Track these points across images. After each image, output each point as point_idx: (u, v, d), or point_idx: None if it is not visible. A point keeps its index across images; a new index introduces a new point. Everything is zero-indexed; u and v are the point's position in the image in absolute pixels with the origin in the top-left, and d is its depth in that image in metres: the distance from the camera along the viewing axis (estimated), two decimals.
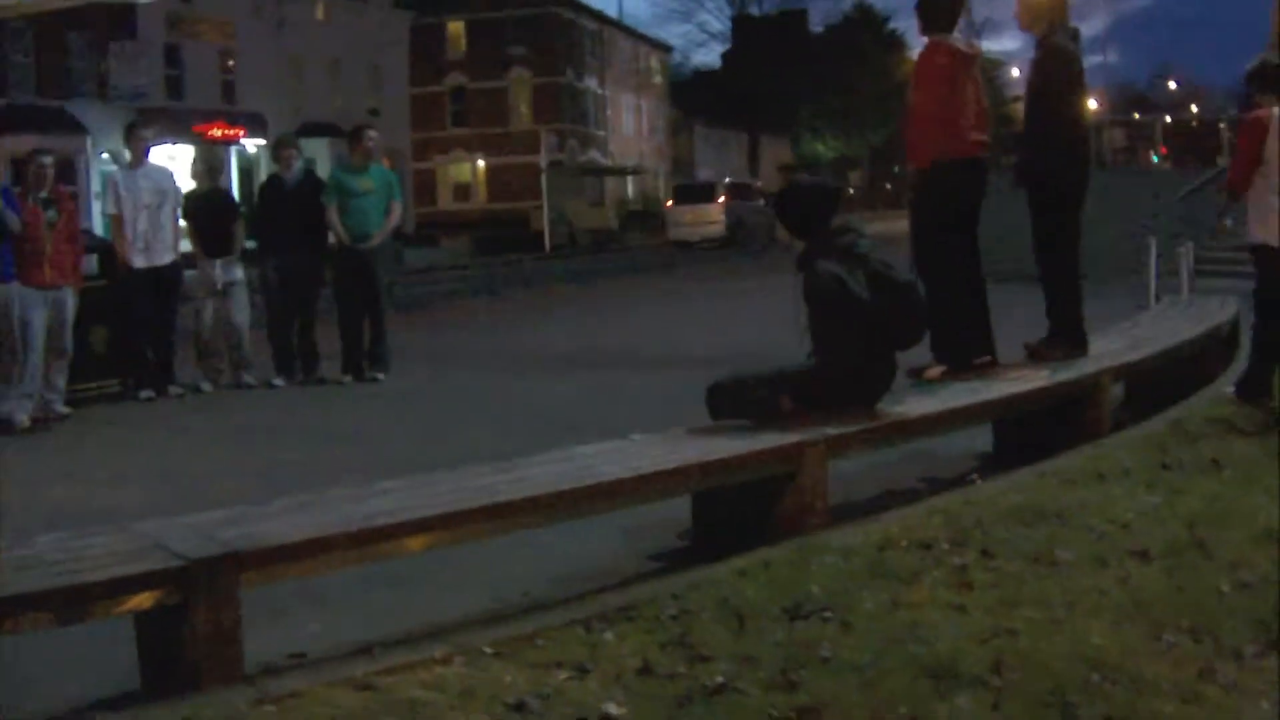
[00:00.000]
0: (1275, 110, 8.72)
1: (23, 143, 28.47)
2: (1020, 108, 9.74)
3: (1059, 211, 8.97)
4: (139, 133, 13.18)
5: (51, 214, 11.33)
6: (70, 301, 11.45)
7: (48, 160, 11.66)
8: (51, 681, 4.90)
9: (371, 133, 13.90)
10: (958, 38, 8.94)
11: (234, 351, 13.33)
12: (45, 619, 4.33)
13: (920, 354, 8.15)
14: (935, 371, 8.59)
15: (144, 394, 12.48)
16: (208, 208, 13.37)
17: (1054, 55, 8.90)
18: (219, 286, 13.10)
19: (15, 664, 4.81)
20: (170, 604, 4.49)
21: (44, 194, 11.32)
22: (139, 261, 12.45)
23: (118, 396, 12.47)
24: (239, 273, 13.33)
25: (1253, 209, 8.95)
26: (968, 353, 8.71)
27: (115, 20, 43.42)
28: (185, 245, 13.12)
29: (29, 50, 42.42)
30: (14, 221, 10.90)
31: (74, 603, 4.36)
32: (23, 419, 11.00)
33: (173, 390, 12.69)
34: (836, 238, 7.29)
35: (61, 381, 11.46)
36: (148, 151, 13.08)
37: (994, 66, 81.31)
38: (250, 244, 13.57)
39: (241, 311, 13.33)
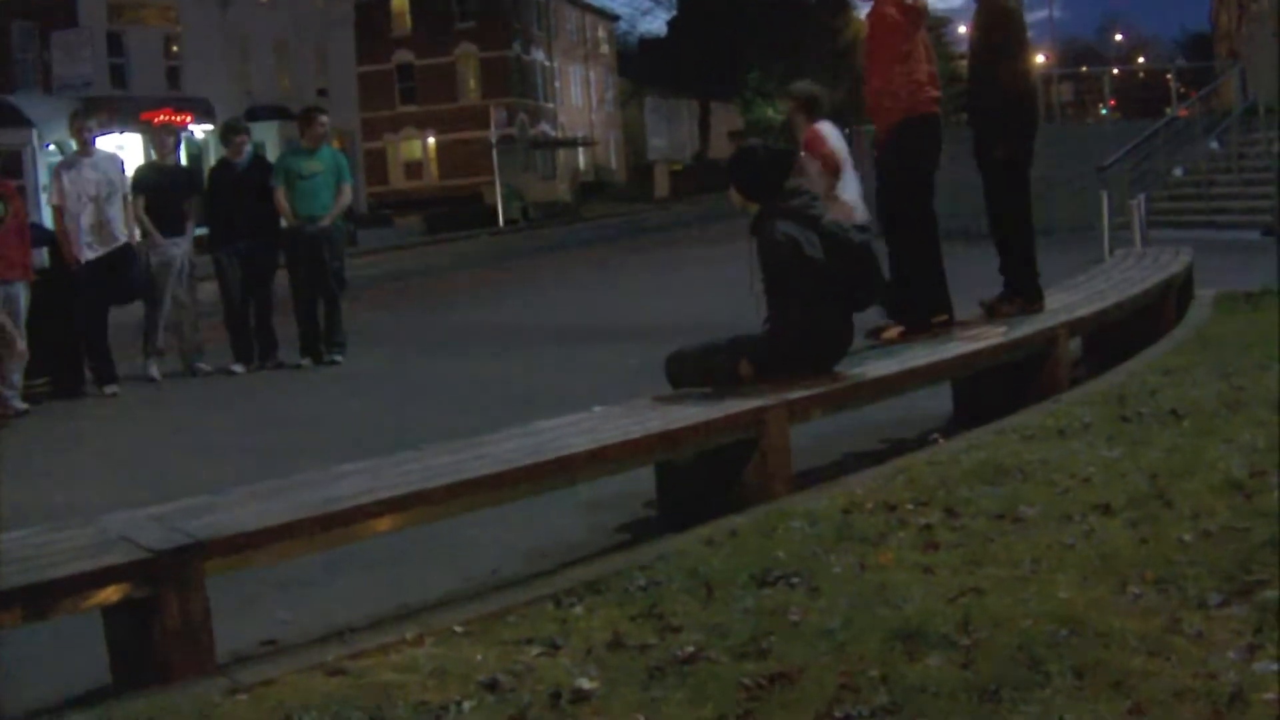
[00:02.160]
0: None
1: None
2: (965, 65, 9.73)
3: (1009, 169, 8.99)
4: (83, 122, 13.05)
5: None
6: (23, 296, 11.37)
7: None
8: (21, 678, 4.87)
9: (323, 116, 13.83)
10: None
11: (189, 334, 13.23)
12: (12, 616, 4.31)
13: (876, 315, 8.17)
14: (894, 332, 8.61)
15: (109, 389, 12.31)
16: (162, 182, 13.24)
17: (995, 12, 8.90)
18: (179, 265, 12.98)
19: None
20: (138, 597, 4.47)
21: None
22: (88, 254, 12.32)
23: (73, 391, 12.32)
24: (191, 252, 13.23)
25: None
26: (926, 312, 8.73)
27: (56, 9, 43.01)
28: (137, 233, 13.01)
29: None
30: None
31: (40, 599, 4.33)
32: None
33: (108, 390, 12.50)
34: (789, 200, 7.28)
35: (17, 378, 11.38)
36: (94, 141, 12.94)
37: (939, 24, 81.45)
38: (201, 230, 13.45)
39: (191, 292, 13.25)
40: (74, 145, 13.05)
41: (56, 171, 12.91)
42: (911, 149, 8.65)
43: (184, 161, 41.52)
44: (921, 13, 8.83)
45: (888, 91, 8.64)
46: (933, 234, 8.86)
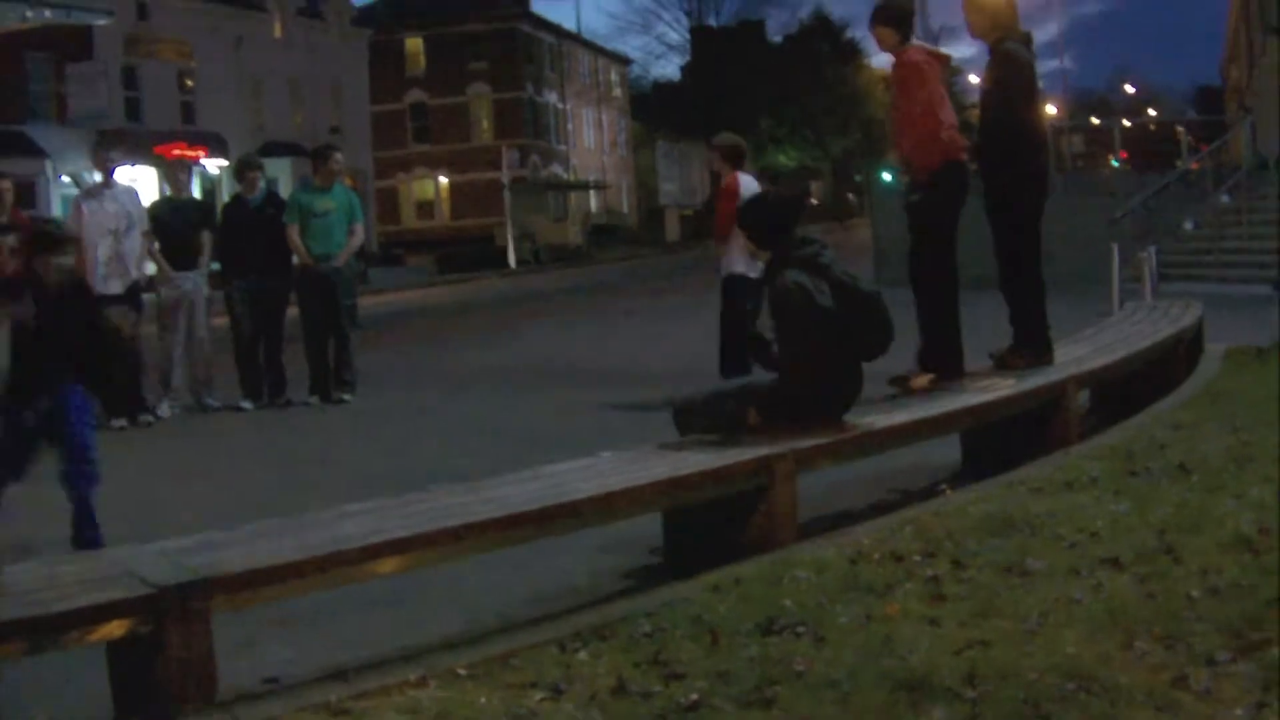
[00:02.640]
0: None
1: None
2: (975, 115, 9.73)
3: (1020, 219, 8.97)
4: (106, 153, 13.07)
5: (11, 239, 11.26)
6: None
7: (6, 185, 11.58)
8: (24, 710, 4.86)
9: (338, 154, 13.86)
10: (921, 43, 8.93)
11: (197, 370, 13.22)
12: (16, 648, 4.31)
13: (890, 364, 8.13)
14: (923, 380, 8.55)
15: (116, 423, 12.29)
16: (175, 216, 13.21)
17: (1006, 62, 8.90)
18: (191, 299, 12.98)
19: None
20: (142, 632, 4.47)
21: (3, 219, 11.22)
22: (101, 288, 12.30)
23: None
24: (205, 288, 13.22)
25: None
26: (959, 360, 8.69)
27: (72, 42, 43.22)
28: (150, 268, 13.04)
29: None
30: None
31: (45, 632, 4.34)
32: None
33: (143, 419, 12.53)
34: (800, 249, 7.28)
35: None
36: (113, 172, 12.97)
37: (951, 74, 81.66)
38: (215, 266, 13.46)
39: (204, 328, 13.23)
40: (94, 176, 13.05)
41: (76, 202, 12.93)
42: (946, 195, 8.60)
43: (197, 194, 41.80)
44: (945, 61, 8.84)
45: (925, 138, 8.58)
46: (956, 281, 8.82)
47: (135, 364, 12.70)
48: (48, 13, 10.08)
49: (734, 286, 11.12)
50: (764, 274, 7.35)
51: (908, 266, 8.86)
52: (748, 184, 11.18)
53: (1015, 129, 8.83)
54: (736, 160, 11.46)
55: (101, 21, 36.14)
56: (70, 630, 4.39)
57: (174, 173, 14.54)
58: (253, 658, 5.30)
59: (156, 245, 12.88)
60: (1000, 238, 9.06)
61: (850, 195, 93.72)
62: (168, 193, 14.22)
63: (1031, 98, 9.12)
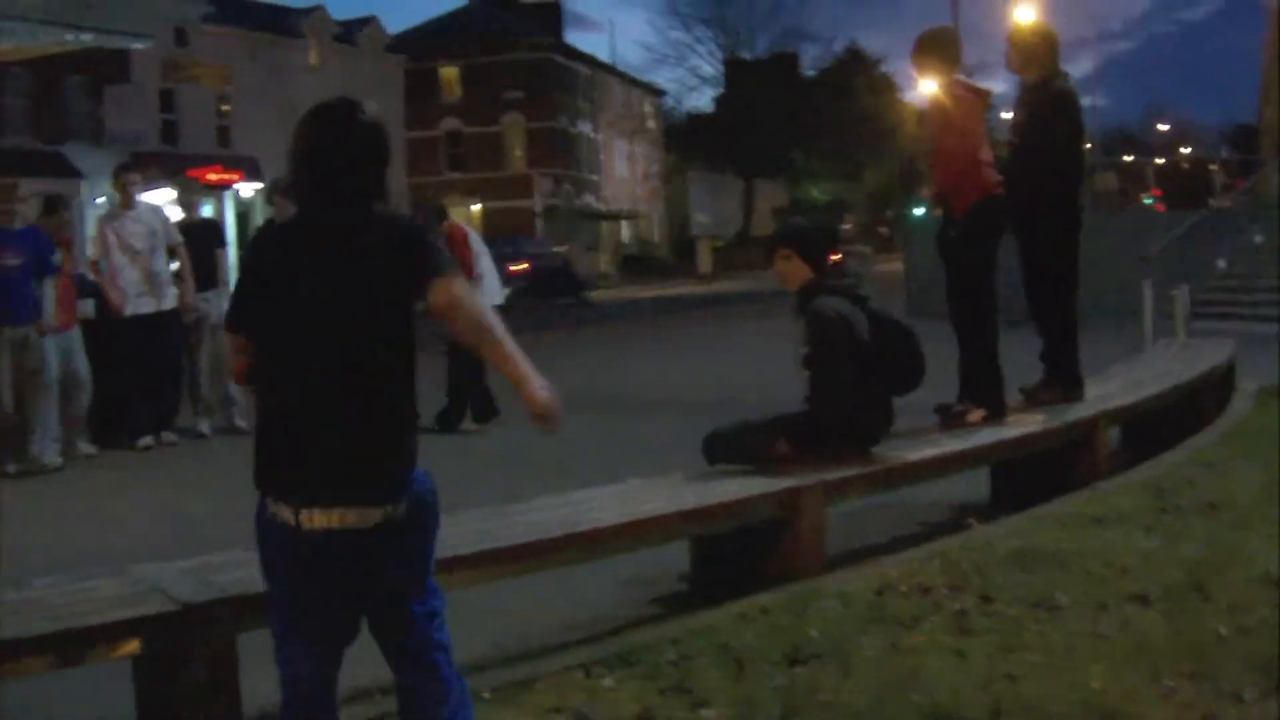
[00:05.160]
0: None
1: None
2: (1007, 150, 9.65)
3: (1052, 255, 8.92)
4: (127, 175, 13.15)
5: (57, 257, 11.48)
6: (79, 345, 11.55)
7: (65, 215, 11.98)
8: None
9: None
10: (962, 78, 8.87)
11: (221, 388, 13.23)
12: (43, 662, 4.32)
13: (921, 398, 8.10)
14: (977, 415, 8.48)
15: (142, 442, 12.35)
16: (190, 238, 13.15)
17: (1064, 98, 8.83)
18: (213, 319, 13.01)
19: (10, 707, 4.78)
20: (168, 648, 4.48)
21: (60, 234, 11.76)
22: (133, 308, 12.37)
23: (110, 442, 12.36)
24: (224, 307, 13.23)
25: None
26: (1002, 397, 8.63)
27: (110, 64, 43.54)
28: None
29: (26, 94, 42.53)
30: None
31: (72, 646, 4.35)
32: (54, 459, 11.22)
33: (166, 437, 12.59)
34: (841, 279, 7.26)
35: (57, 432, 11.45)
36: (136, 194, 13.05)
37: (988, 109, 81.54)
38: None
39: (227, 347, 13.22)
40: (117, 197, 13.16)
41: (100, 225, 13.02)
42: (984, 231, 8.50)
43: (231, 218, 42.01)
44: (986, 96, 8.78)
45: (963, 174, 8.45)
46: (996, 317, 8.72)
47: (173, 383, 12.79)
48: (88, 36, 10.09)
49: None
50: (798, 299, 7.29)
51: (947, 303, 8.77)
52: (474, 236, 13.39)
53: (1056, 167, 8.79)
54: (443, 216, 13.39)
55: (140, 46, 36.37)
56: (97, 645, 4.40)
57: (185, 197, 14.55)
58: (276, 675, 5.29)
59: (174, 266, 12.93)
60: (1032, 274, 9.02)
61: (883, 229, 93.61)
62: (181, 217, 14.20)
63: (1078, 137, 9.07)
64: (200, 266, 13.01)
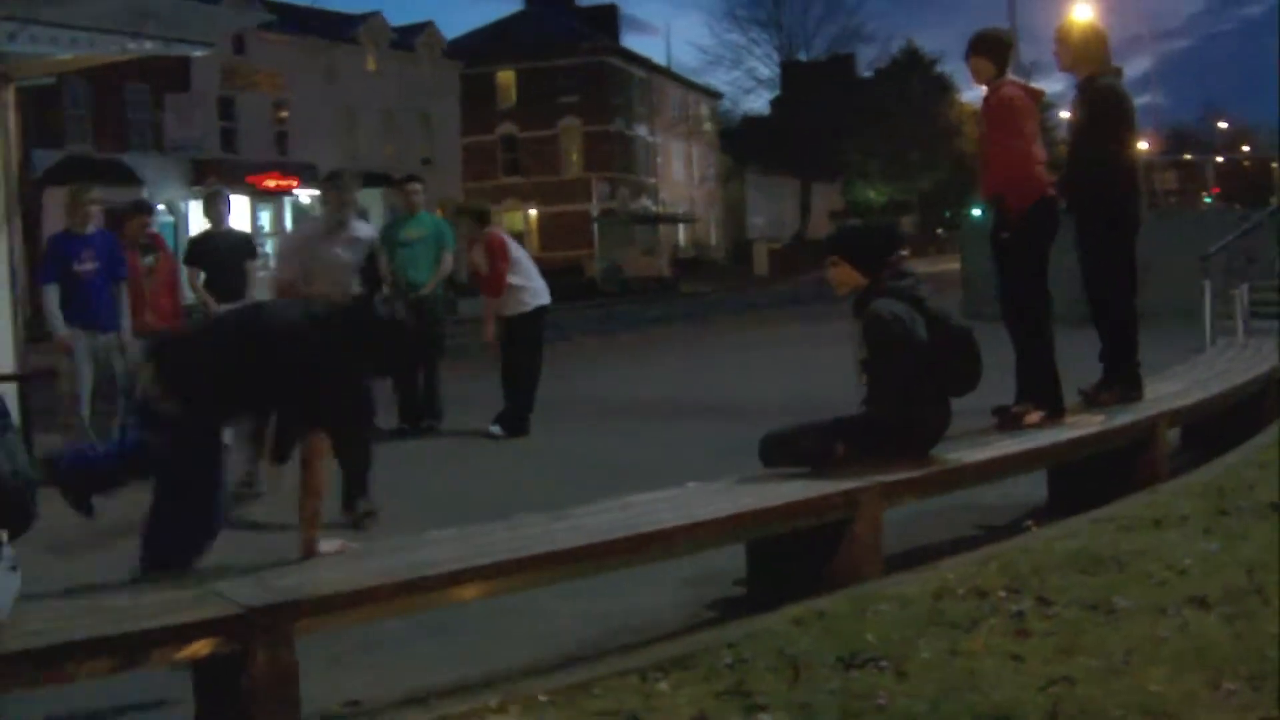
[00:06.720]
0: None
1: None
2: (1064, 150, 9.62)
3: (1111, 255, 8.87)
4: (219, 201, 13.31)
5: (150, 259, 11.65)
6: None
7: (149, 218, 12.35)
8: None
9: (414, 184, 14.15)
10: (1016, 78, 8.84)
11: None
12: (103, 665, 4.36)
13: (978, 399, 8.05)
14: (1036, 416, 8.44)
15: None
16: (218, 250, 13.08)
17: (1106, 94, 8.80)
18: None
19: (70, 709, 4.84)
20: (228, 651, 4.52)
21: (142, 240, 12.06)
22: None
23: None
24: None
25: None
26: (1060, 398, 8.58)
27: (170, 73, 43.93)
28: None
29: (87, 103, 42.99)
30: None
31: (133, 649, 4.39)
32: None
33: None
34: (899, 280, 7.23)
35: None
36: (227, 216, 13.27)
37: (1043, 109, 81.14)
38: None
39: None
40: (209, 221, 13.38)
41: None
42: (1038, 232, 8.47)
43: (289, 225, 42.24)
44: (1039, 97, 8.75)
45: (1018, 175, 8.42)
46: (1051, 318, 8.68)
47: None
48: (148, 44, 10.17)
49: None
50: (856, 304, 7.27)
51: (1000, 304, 8.75)
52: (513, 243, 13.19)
53: (1107, 164, 8.74)
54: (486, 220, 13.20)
55: (200, 54, 36.64)
56: (157, 648, 4.44)
57: (215, 206, 14.44)
58: (336, 680, 5.34)
59: (202, 278, 12.91)
60: (1091, 274, 8.97)
61: (939, 230, 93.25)
62: (208, 227, 14.14)
63: (1126, 133, 9.01)
64: (231, 279, 12.95)
